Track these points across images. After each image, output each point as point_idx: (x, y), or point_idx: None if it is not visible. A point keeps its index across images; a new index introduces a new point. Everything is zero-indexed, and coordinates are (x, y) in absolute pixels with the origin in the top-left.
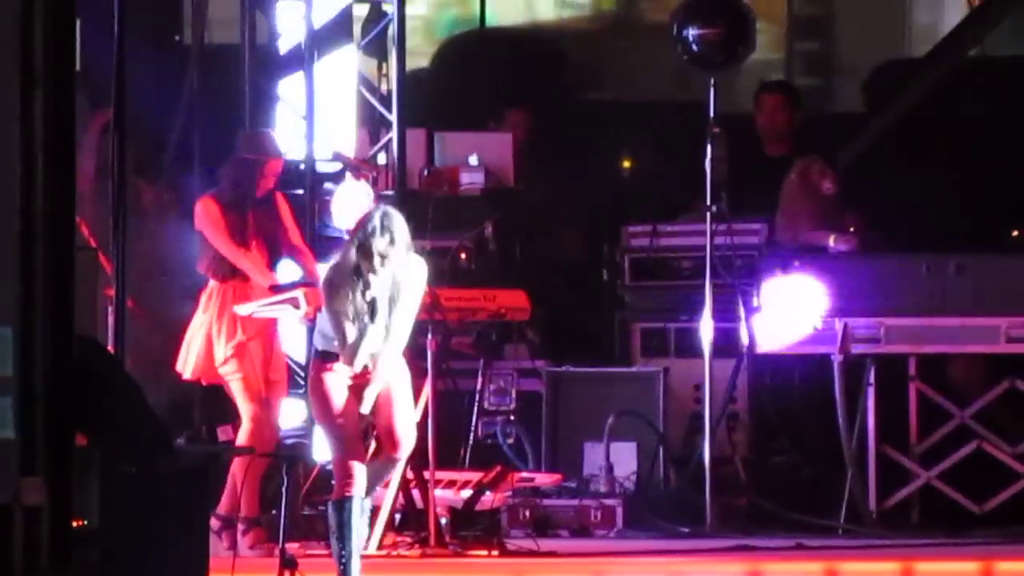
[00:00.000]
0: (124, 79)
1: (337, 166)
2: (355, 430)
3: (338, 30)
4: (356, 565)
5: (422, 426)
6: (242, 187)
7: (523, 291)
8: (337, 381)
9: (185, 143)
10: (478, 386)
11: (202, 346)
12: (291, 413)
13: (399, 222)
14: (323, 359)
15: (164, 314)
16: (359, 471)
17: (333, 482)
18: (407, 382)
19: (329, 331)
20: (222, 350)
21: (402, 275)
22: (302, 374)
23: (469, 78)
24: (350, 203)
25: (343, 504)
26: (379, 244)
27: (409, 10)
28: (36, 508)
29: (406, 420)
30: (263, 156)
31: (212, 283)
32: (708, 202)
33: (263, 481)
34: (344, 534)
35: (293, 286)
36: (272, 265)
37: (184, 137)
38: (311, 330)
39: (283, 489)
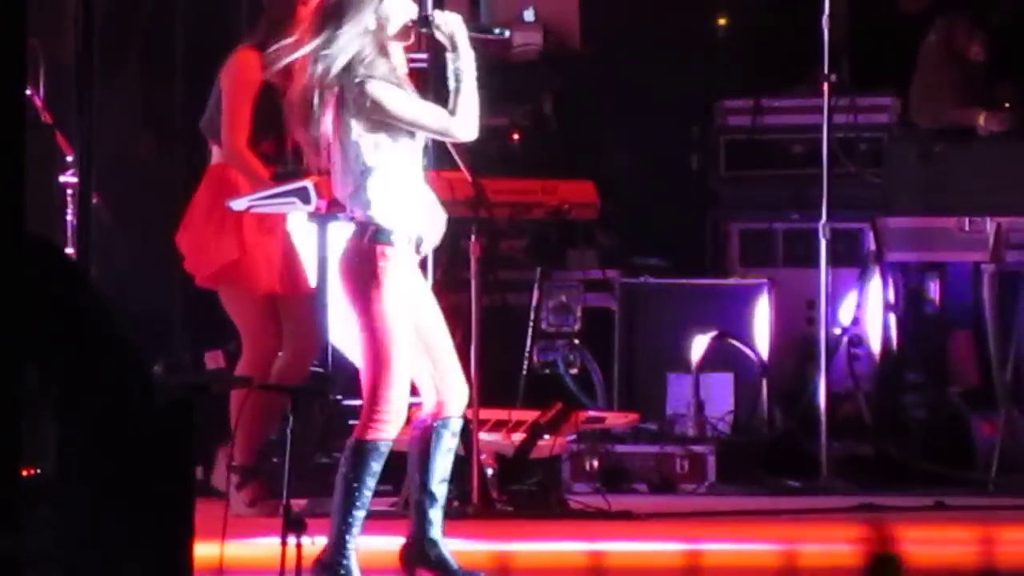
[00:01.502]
0: None
1: None
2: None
3: None
4: (349, 543)
5: (463, 354)
6: (277, 33)
7: (590, 182)
8: (396, 274)
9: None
10: (534, 302)
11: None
12: None
13: None
14: (377, 240)
15: (143, 206)
16: (400, 411)
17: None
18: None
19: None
20: (219, 249)
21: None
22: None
23: None
24: None
25: (365, 448)
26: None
27: None
28: None
29: (450, 360)
30: None
31: (216, 153)
32: (825, 70)
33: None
34: (350, 489)
35: (299, 174)
36: None
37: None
38: (323, 230)
39: (287, 431)
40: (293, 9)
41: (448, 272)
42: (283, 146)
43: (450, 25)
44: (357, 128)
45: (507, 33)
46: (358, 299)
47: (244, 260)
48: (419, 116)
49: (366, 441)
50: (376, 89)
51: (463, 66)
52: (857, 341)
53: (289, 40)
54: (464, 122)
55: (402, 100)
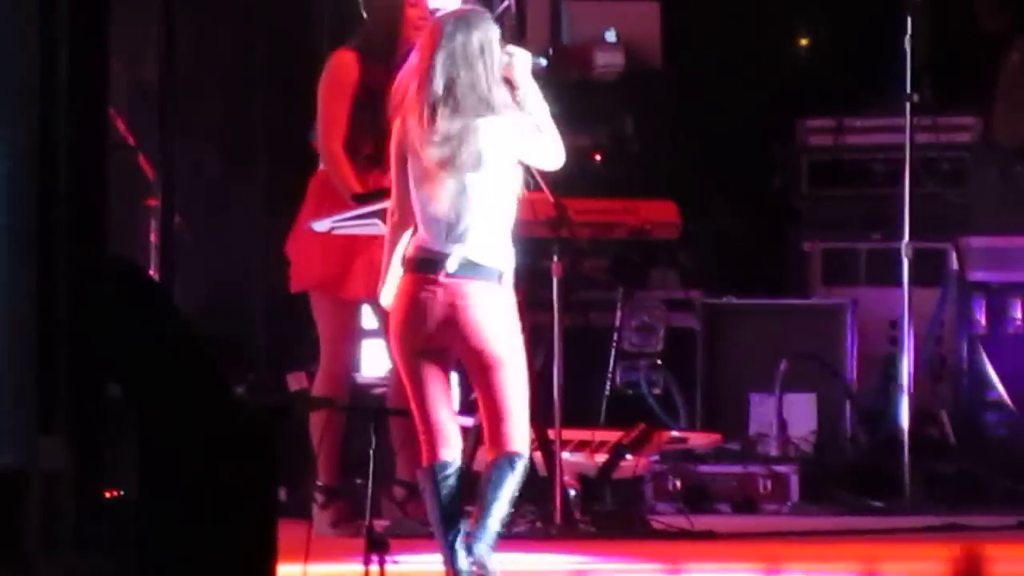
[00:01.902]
0: None
1: None
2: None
3: None
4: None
5: (544, 375)
6: (380, 35)
7: (672, 202)
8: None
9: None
10: (616, 322)
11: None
12: (380, 356)
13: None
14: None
15: (230, 227)
16: (452, 429)
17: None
18: (510, 331)
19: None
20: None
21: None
22: None
23: None
24: None
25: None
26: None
27: None
28: (56, 474)
29: (517, 397)
30: None
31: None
32: (908, 90)
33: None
34: (430, 508)
35: (382, 195)
36: None
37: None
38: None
39: (371, 452)
40: (400, 12)
41: (530, 292)
42: (383, 148)
43: (511, 60)
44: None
45: (543, 62)
46: (505, 341)
47: (342, 267)
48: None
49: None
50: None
51: (527, 99)
52: (940, 361)
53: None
54: (549, 152)
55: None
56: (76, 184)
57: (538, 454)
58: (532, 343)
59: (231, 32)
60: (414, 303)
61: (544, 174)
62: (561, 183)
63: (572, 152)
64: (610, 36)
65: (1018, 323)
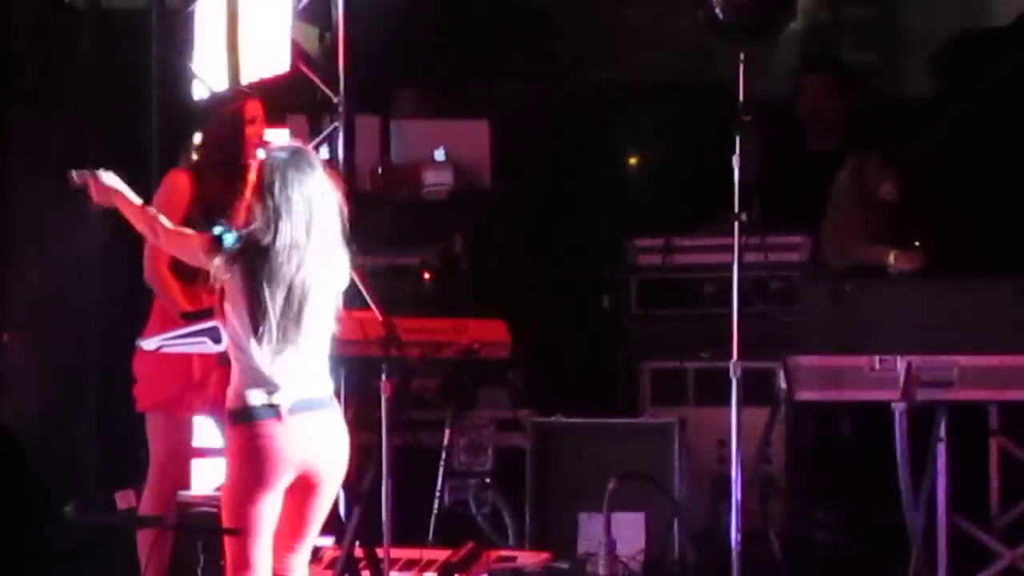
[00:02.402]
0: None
1: None
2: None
3: None
4: None
5: (372, 494)
6: (219, 153)
7: (502, 322)
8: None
9: (79, 127)
10: (445, 441)
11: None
12: (207, 474)
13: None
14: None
15: (61, 345)
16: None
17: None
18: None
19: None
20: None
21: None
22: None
23: (434, 46)
24: None
25: None
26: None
27: None
28: None
29: (319, 525)
30: (240, 94)
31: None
32: (736, 209)
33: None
34: None
35: (210, 313)
36: None
37: (77, 119)
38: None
39: (198, 570)
40: (240, 130)
41: (359, 411)
42: None
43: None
44: None
45: None
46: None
47: (181, 386)
48: None
49: None
50: None
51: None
52: (769, 480)
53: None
54: None
55: None
56: None
57: (366, 573)
58: (361, 462)
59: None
60: None
61: (373, 293)
62: (391, 302)
63: (402, 271)
64: (439, 155)
65: (846, 439)
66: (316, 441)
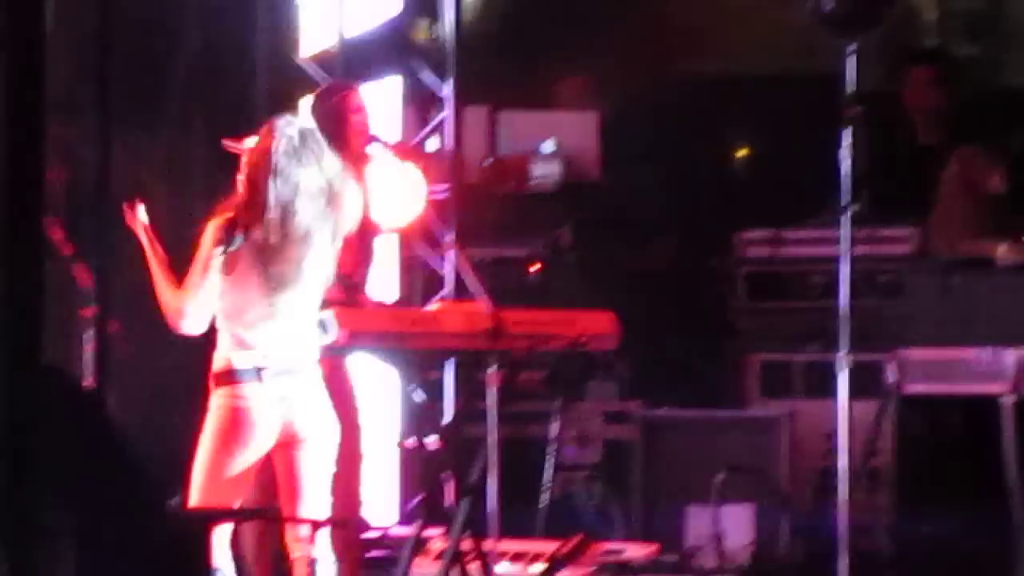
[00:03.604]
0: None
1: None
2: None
3: None
4: None
5: (480, 486)
6: (329, 139)
7: (610, 313)
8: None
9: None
10: (553, 433)
11: None
12: None
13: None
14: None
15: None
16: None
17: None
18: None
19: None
20: None
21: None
22: None
23: (542, 37)
24: (394, 196)
25: None
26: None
27: None
28: None
29: (317, 484)
30: (345, 88)
31: None
32: (845, 202)
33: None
34: None
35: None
36: (360, 266)
37: (185, 96)
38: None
39: (309, 562)
40: (344, 119)
41: (467, 403)
42: None
43: None
44: None
45: None
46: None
47: None
48: None
49: None
50: None
51: None
52: (876, 473)
53: None
54: None
55: None
56: (11, 295)
57: (475, 565)
58: (469, 455)
59: (169, 140)
60: None
61: (481, 285)
62: (498, 294)
63: (509, 263)
64: (548, 147)
65: (956, 433)
66: (290, 400)
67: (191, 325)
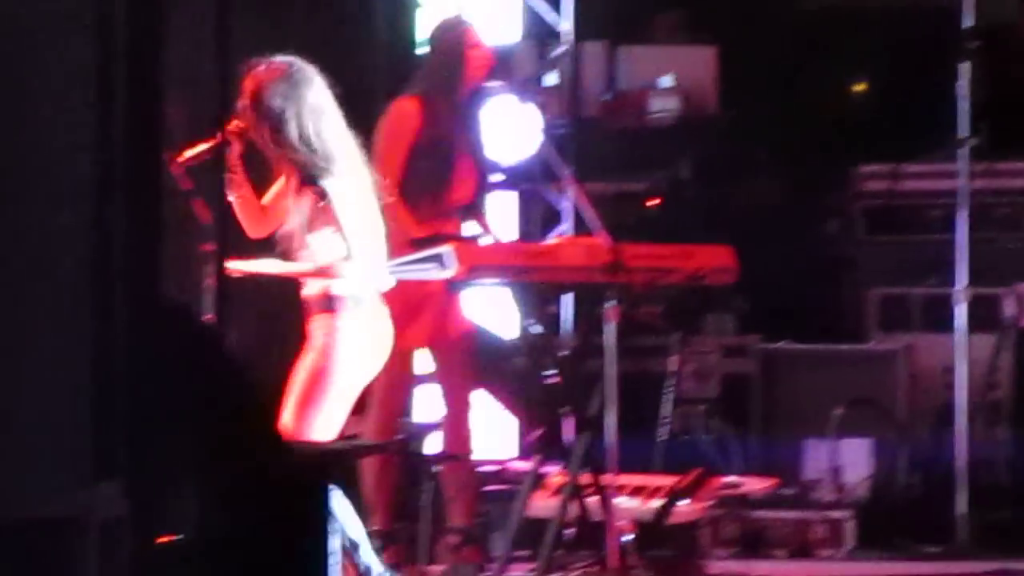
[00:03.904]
0: None
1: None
2: None
3: None
4: None
5: (599, 421)
6: (443, 78)
7: (728, 247)
8: None
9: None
10: (672, 368)
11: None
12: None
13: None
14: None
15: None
16: None
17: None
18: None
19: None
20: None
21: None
22: None
23: None
24: (512, 132)
25: None
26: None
27: None
28: (115, 520)
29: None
30: (462, 25)
31: None
32: (963, 135)
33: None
34: None
35: (440, 239)
36: (474, 198)
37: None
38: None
39: (425, 497)
40: (462, 54)
41: (586, 338)
42: (443, 193)
43: None
44: None
45: None
46: None
47: (402, 317)
48: None
49: None
50: None
51: None
52: (996, 406)
53: None
54: None
55: None
56: (132, 231)
57: (593, 499)
58: (588, 389)
59: None
60: None
61: (600, 219)
62: (617, 228)
63: (628, 197)
64: (666, 81)
65: None
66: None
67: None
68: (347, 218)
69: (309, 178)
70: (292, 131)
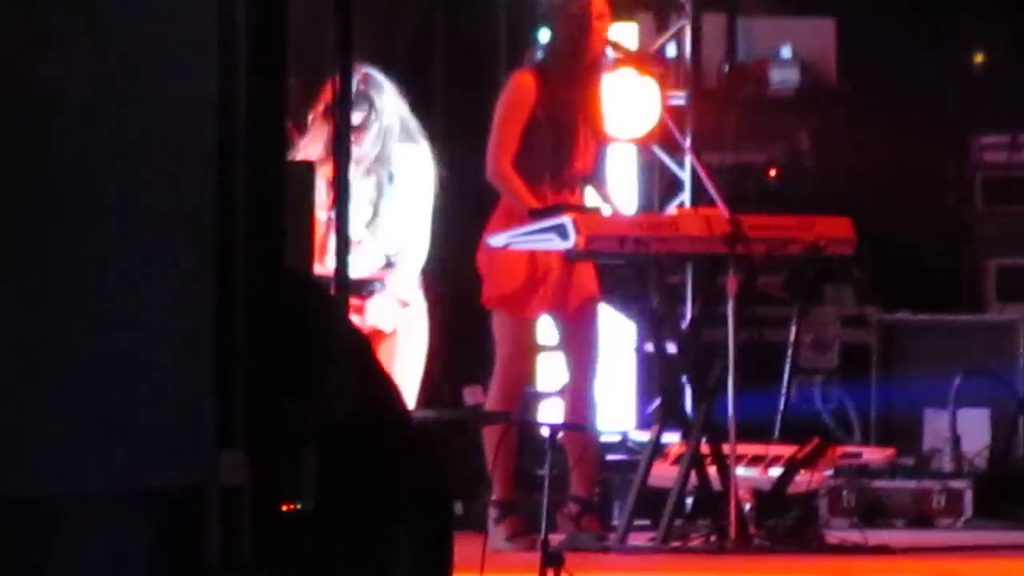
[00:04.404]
0: None
1: (614, 60)
2: None
3: None
4: None
5: (719, 390)
6: (567, 50)
7: (847, 218)
8: None
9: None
10: (791, 338)
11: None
12: (551, 371)
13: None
14: None
15: None
16: None
17: None
18: (416, 329)
19: None
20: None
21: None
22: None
23: None
24: (631, 105)
25: None
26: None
27: None
28: (236, 489)
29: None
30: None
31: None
32: None
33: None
34: None
35: (560, 209)
36: (592, 169)
37: (423, 24)
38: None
39: (546, 467)
40: (587, 25)
41: (705, 308)
42: (562, 165)
43: None
44: None
45: None
46: None
47: (526, 286)
48: None
49: None
50: None
51: None
52: None
53: None
54: None
55: None
56: (254, 198)
57: (713, 469)
58: (708, 358)
59: (409, 53)
60: None
61: (720, 190)
62: (736, 199)
63: (748, 168)
64: (785, 53)
65: None
66: None
67: None
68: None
69: None
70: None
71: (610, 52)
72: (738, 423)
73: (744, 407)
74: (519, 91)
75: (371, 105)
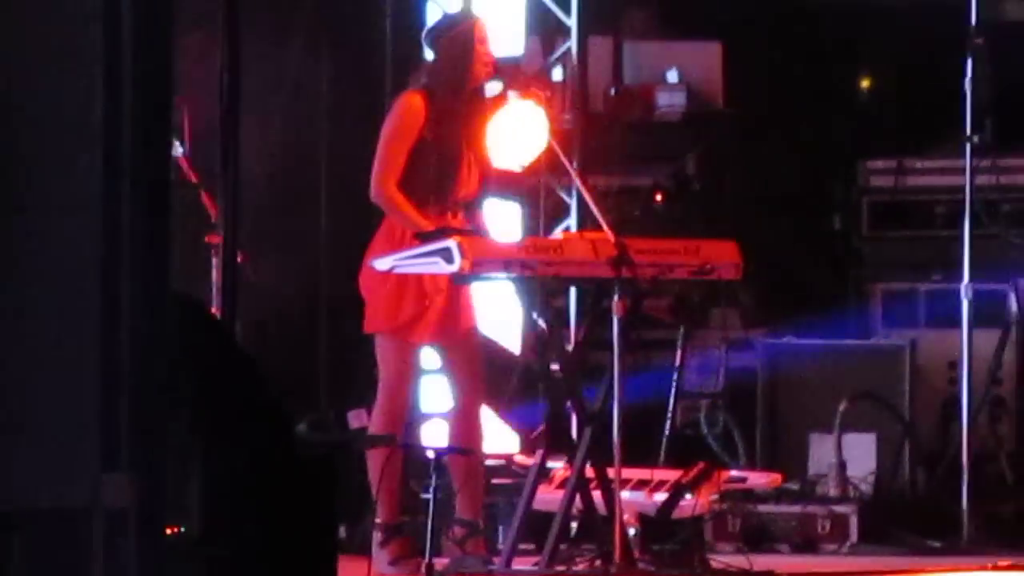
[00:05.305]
0: None
1: (499, 85)
2: None
3: None
4: None
5: (604, 414)
6: (449, 73)
7: (734, 242)
8: None
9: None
10: (677, 362)
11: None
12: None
13: None
14: None
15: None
16: None
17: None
18: None
19: None
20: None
21: None
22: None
23: None
24: (515, 131)
25: None
26: None
27: None
28: (120, 511)
29: None
30: (471, 20)
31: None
32: (969, 131)
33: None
34: None
35: (444, 233)
36: (476, 195)
37: (311, 44)
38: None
39: (431, 490)
40: (471, 49)
41: (591, 332)
42: (446, 187)
43: None
44: None
45: None
46: None
47: (412, 313)
48: None
49: None
50: None
51: None
52: (999, 401)
53: None
54: None
55: None
56: (140, 221)
57: (598, 493)
58: (593, 382)
59: (295, 72)
60: None
61: (605, 214)
62: (622, 222)
63: (634, 192)
64: (672, 76)
65: None
66: None
67: None
68: None
69: None
70: None
71: (496, 81)
72: (623, 446)
73: (630, 431)
74: (408, 112)
75: None
